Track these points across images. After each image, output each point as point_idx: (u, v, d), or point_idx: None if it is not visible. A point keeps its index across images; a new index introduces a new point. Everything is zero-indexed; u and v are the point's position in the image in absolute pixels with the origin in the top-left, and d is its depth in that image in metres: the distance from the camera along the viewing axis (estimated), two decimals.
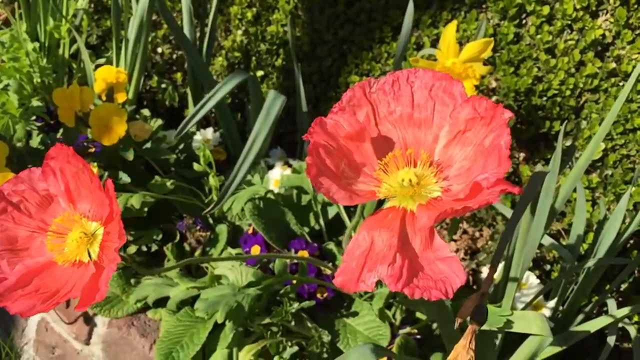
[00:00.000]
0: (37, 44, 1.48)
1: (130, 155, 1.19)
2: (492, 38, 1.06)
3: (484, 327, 0.93)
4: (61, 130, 1.44)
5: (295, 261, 1.14)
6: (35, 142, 1.40)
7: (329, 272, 1.19)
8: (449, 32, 0.99)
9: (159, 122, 1.42)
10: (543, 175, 0.70)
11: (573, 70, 1.16)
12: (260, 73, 1.53)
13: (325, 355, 1.12)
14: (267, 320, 1.07)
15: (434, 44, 1.28)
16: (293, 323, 1.09)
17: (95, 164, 1.16)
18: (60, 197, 0.69)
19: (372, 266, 0.45)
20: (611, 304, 1.08)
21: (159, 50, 1.72)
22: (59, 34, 1.51)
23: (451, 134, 0.52)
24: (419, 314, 1.22)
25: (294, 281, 1.13)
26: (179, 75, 1.71)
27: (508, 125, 0.47)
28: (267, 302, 1.11)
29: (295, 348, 1.07)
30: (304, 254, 1.16)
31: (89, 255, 0.65)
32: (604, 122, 0.85)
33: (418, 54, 1.12)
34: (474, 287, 1.37)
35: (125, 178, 1.19)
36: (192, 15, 1.34)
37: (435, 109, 0.53)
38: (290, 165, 1.43)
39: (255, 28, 1.51)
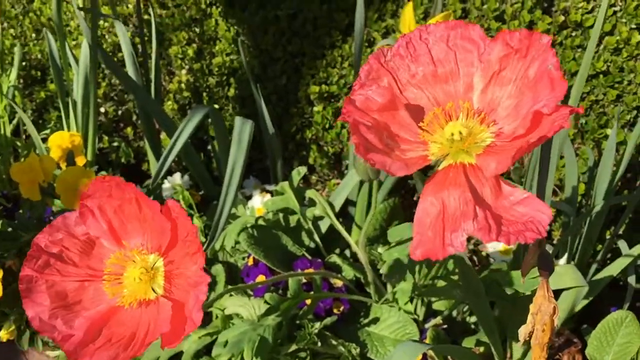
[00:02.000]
0: None
1: None
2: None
3: (512, 291, 0.91)
4: (19, 211, 1.35)
5: (305, 281, 1.09)
6: None
7: (339, 284, 1.15)
8: (408, 13, 0.99)
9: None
10: None
11: None
12: (215, 107, 1.49)
13: None
14: (293, 348, 1.02)
15: (385, 37, 1.28)
16: (319, 344, 1.04)
17: None
18: (103, 239, 0.64)
19: (455, 226, 0.42)
20: (622, 245, 1.09)
21: (102, 109, 1.66)
22: None
23: (486, 78, 0.50)
24: (436, 306, 1.19)
25: (308, 302, 1.09)
26: (129, 130, 1.65)
27: (551, 47, 0.45)
28: (288, 329, 1.06)
29: None
30: (310, 272, 1.12)
31: (154, 291, 0.60)
32: (578, 76, 0.86)
33: (378, 44, 1.11)
34: (477, 266, 1.36)
35: None
36: (135, 60, 1.30)
37: (458, 59, 0.52)
38: (268, 191, 1.39)
39: (199, 64, 1.48)
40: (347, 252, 1.28)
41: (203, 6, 1.43)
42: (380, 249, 1.09)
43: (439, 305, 1.19)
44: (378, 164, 0.44)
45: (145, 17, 1.41)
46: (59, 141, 1.24)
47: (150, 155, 1.49)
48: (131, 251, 0.62)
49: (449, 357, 1.09)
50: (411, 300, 1.16)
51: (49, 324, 0.62)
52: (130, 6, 1.50)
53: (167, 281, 0.61)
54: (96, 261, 0.64)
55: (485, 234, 0.41)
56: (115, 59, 1.52)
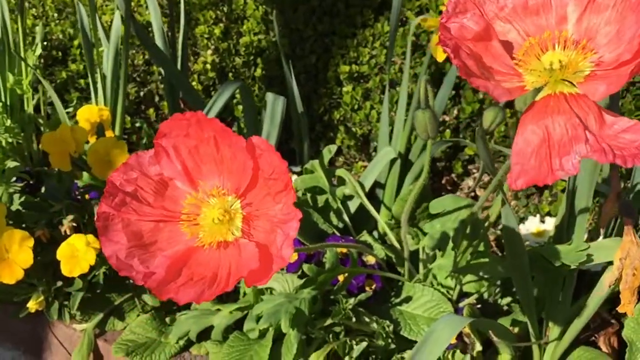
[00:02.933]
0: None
1: None
2: None
3: (559, 264, 0.90)
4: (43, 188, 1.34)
5: (341, 257, 1.08)
6: (15, 205, 1.29)
7: (372, 261, 1.13)
8: None
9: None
10: None
11: None
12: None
13: (392, 346, 1.05)
14: (328, 322, 1.01)
15: (419, 15, 1.27)
16: (354, 319, 1.02)
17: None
18: (177, 180, 0.63)
19: (565, 151, 0.41)
20: None
21: None
22: (21, 89, 1.42)
23: (580, 7, 0.49)
24: (466, 288, 1.17)
25: (340, 279, 1.07)
26: (151, 111, 1.63)
27: None
28: (322, 304, 1.05)
29: (364, 344, 1.01)
30: (343, 250, 1.11)
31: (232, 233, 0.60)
32: None
33: (418, 19, 1.10)
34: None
35: None
36: (165, 35, 1.28)
37: None
38: (294, 173, 1.38)
39: (226, 43, 1.47)
40: (375, 234, 1.27)
41: None
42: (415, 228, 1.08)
43: (469, 287, 1.17)
44: (481, 87, 0.43)
45: None
46: (88, 115, 1.23)
47: None
48: (207, 193, 0.61)
49: (480, 335, 1.07)
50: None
51: (125, 263, 0.60)
52: None
53: (245, 223, 0.60)
54: (170, 202, 0.63)
55: (602, 155, 0.40)
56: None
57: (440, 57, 1.00)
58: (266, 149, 0.55)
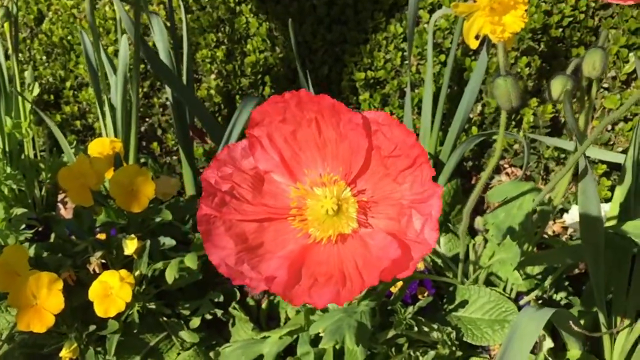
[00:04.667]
0: None
1: (169, 215, 1.04)
2: None
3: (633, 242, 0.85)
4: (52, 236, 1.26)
5: None
6: (30, 252, 1.20)
7: (421, 268, 1.07)
8: None
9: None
10: None
11: None
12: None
13: (458, 354, 0.99)
14: (391, 334, 0.94)
15: (431, 13, 1.24)
16: (416, 329, 0.96)
17: (134, 237, 1.00)
18: (274, 173, 0.56)
19: None
20: None
21: None
22: (20, 133, 1.35)
23: None
24: (517, 288, 1.12)
25: (393, 290, 1.01)
26: (155, 145, 1.56)
27: None
28: (380, 316, 0.98)
29: (432, 353, 0.94)
30: None
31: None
32: None
33: (434, 15, 1.07)
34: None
35: (168, 241, 1.04)
36: (172, 56, 1.23)
37: None
38: None
39: (231, 65, 1.42)
40: None
41: (232, 5, 1.38)
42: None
43: (519, 287, 1.12)
44: None
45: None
46: (100, 148, 1.16)
47: (185, 166, 1.41)
48: (313, 182, 0.55)
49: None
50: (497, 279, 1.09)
51: (236, 270, 0.53)
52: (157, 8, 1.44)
53: (361, 212, 0.54)
54: (270, 198, 0.56)
55: None
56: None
57: (473, 44, 0.96)
58: (386, 122, 0.49)
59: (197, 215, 0.54)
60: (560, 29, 1.17)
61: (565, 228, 1.26)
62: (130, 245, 1.00)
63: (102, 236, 1.09)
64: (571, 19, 1.16)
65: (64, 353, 0.97)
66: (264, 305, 1.13)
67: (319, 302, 0.49)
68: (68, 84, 1.64)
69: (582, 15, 1.16)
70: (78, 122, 1.65)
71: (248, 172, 0.56)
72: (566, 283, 1.14)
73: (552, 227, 1.25)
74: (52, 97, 1.67)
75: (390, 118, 0.50)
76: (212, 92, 1.46)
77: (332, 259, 0.52)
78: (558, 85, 0.70)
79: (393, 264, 0.47)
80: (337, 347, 0.98)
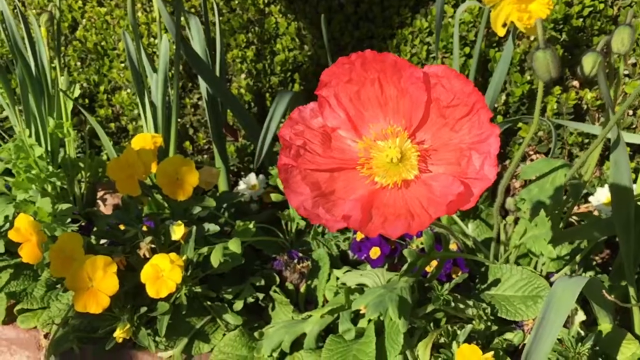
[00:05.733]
0: (42, 150, 1.37)
1: (212, 202, 1.09)
2: None
3: None
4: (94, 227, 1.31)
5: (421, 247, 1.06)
6: None
7: (454, 248, 1.12)
8: None
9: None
10: None
11: None
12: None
13: (494, 328, 1.03)
14: (430, 308, 0.98)
15: (455, 8, 1.29)
16: (453, 304, 1.00)
17: (180, 223, 1.05)
18: (341, 129, 0.62)
19: None
20: None
21: None
22: (63, 132, 1.41)
23: None
24: (545, 268, 1.16)
25: (428, 269, 1.05)
26: (187, 144, 1.62)
27: None
28: (419, 293, 1.02)
29: (469, 327, 0.98)
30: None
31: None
32: None
33: (460, 7, 1.12)
34: None
35: (213, 227, 1.09)
36: (208, 55, 1.29)
37: None
38: None
39: (261, 64, 1.47)
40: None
41: (261, 6, 1.44)
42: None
43: (549, 267, 1.16)
44: None
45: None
46: (142, 143, 1.21)
47: (218, 162, 1.46)
48: (377, 135, 0.61)
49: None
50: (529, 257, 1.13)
51: (313, 212, 0.60)
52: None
53: (421, 160, 0.59)
54: (338, 152, 0.62)
55: None
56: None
57: (501, 31, 1.01)
58: (445, 75, 0.55)
59: (278, 165, 0.61)
60: (581, 19, 1.22)
61: (591, 212, 1.30)
62: (178, 231, 1.05)
63: (145, 228, 1.15)
64: (591, 8, 1.21)
65: (118, 333, 1.02)
66: (302, 290, 1.18)
67: (393, 233, 0.55)
68: (102, 88, 1.70)
69: (602, 5, 1.21)
70: (112, 125, 1.71)
71: (317, 130, 0.62)
72: (594, 263, 1.18)
73: (579, 211, 1.29)
74: (87, 100, 1.74)
75: (449, 70, 0.55)
76: (242, 90, 1.52)
77: (398, 201, 0.58)
78: (590, 62, 0.74)
79: (458, 198, 0.53)
80: (377, 323, 1.02)
